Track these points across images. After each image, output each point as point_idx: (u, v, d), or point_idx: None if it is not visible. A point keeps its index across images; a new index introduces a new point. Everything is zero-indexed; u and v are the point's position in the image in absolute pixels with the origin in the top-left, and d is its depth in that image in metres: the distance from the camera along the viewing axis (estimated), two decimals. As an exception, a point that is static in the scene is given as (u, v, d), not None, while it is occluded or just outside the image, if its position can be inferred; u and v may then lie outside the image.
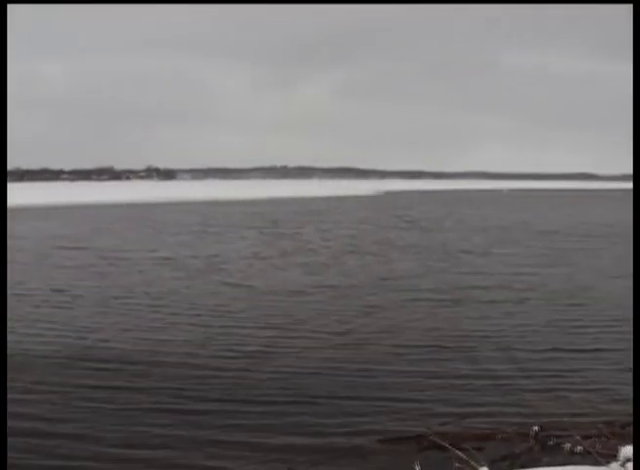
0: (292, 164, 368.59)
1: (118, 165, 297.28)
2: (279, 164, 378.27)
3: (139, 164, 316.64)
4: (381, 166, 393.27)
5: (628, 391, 10.39)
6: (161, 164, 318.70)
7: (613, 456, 8.48)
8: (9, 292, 23.25)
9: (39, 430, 11.15)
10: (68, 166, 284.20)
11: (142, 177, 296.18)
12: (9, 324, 18.60)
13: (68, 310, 20.43)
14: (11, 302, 21.62)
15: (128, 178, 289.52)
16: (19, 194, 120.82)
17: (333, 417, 11.55)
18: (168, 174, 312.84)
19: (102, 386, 13.27)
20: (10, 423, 11.31)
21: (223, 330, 17.71)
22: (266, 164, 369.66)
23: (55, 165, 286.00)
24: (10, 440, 10.57)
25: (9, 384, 13.38)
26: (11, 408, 11.97)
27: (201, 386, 13.21)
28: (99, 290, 23.76)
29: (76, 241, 41.97)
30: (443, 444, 9.65)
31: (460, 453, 8.93)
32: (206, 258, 32.81)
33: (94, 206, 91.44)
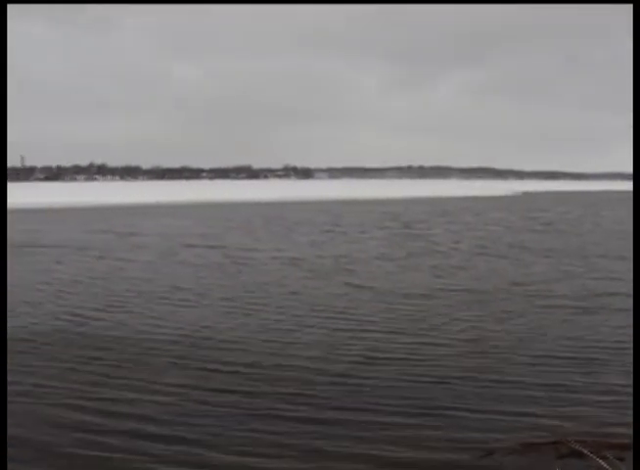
0: (428, 163, 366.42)
1: (257, 165, 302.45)
2: (416, 163, 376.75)
3: (277, 164, 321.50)
4: (517, 167, 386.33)
5: None
6: (299, 163, 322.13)
7: None
8: (132, 289, 23.70)
9: (154, 432, 10.89)
10: (207, 165, 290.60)
11: (279, 176, 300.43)
12: (129, 320, 18.91)
13: (189, 309, 20.30)
14: (132, 298, 21.89)
15: (266, 177, 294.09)
16: (156, 192, 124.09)
17: (462, 427, 10.95)
18: (305, 173, 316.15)
19: (219, 388, 12.95)
20: (124, 422, 11.25)
21: (347, 333, 17.14)
22: (403, 163, 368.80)
23: (195, 164, 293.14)
24: (121, 440, 10.52)
25: (128, 381, 13.44)
26: (126, 408, 11.95)
27: (321, 392, 12.67)
28: (223, 289, 23.63)
29: (206, 239, 42.44)
30: (583, 451, 8.88)
31: (601, 462, 8.19)
32: (334, 258, 32.34)
33: (229, 204, 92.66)
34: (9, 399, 12.41)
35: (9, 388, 13.05)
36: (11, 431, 10.88)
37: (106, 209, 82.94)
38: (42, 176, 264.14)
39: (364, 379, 13.43)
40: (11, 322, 18.62)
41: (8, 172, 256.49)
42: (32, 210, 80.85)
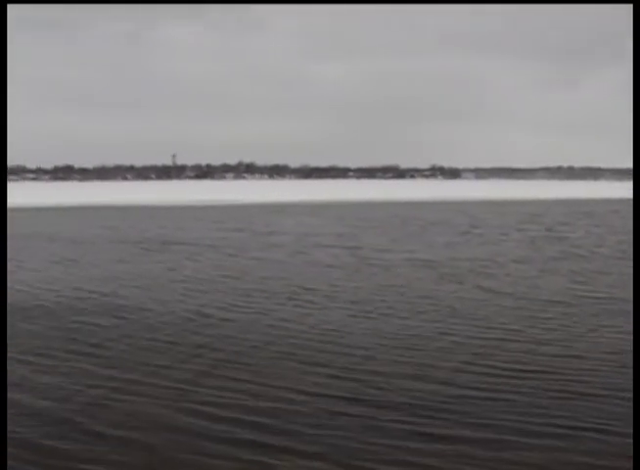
0: (578, 164, 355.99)
1: (404, 164, 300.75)
2: (565, 164, 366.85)
3: (424, 163, 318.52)
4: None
5: None
6: (446, 163, 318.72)
7: None
8: (260, 288, 23.76)
9: (272, 440, 10.55)
10: (355, 165, 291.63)
11: (426, 176, 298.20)
12: (255, 320, 18.77)
13: (316, 311, 20.00)
14: (259, 298, 21.97)
15: (413, 177, 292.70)
16: (302, 190, 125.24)
17: (608, 451, 10.12)
18: (452, 173, 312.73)
19: (343, 396, 12.50)
20: (240, 429, 10.96)
21: (482, 342, 16.36)
22: (552, 164, 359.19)
23: (342, 164, 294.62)
24: (236, 447, 10.26)
25: (249, 385, 13.19)
26: (244, 413, 11.66)
27: (454, 406, 11.99)
28: (352, 291, 23.23)
29: (341, 238, 42.37)
30: None
31: None
32: (467, 260, 31.37)
33: (373, 203, 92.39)
34: (124, 397, 12.51)
35: (127, 385, 13.14)
36: (120, 432, 10.86)
37: (251, 207, 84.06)
38: (192, 174, 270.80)
39: (501, 393, 12.69)
40: (136, 318, 19.02)
41: (160, 171, 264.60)
42: (178, 207, 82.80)
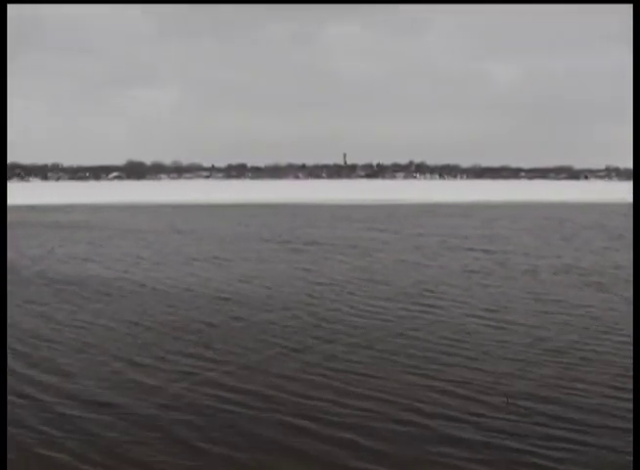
0: None
1: (578, 165, 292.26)
2: None
3: (599, 164, 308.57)
4: None
5: None
6: (622, 164, 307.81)
7: None
8: (386, 291, 23.65)
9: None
10: (527, 165, 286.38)
11: (601, 177, 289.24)
12: (379, 327, 18.44)
13: (443, 318, 19.47)
14: (386, 302, 21.74)
15: (586, 178, 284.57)
16: (469, 191, 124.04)
17: None
18: (628, 174, 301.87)
19: (462, 417, 11.80)
20: (354, 434, 10.87)
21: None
22: None
23: (515, 164, 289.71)
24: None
25: (377, 394, 13.00)
26: (361, 418, 11.58)
27: (593, 436, 11.00)
28: (482, 298, 22.58)
29: (488, 241, 41.70)
30: None
31: None
32: (617, 268, 29.78)
33: (536, 204, 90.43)
34: (233, 408, 12.26)
35: (239, 397, 12.84)
36: (220, 449, 10.59)
37: (413, 206, 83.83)
38: (363, 174, 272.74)
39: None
40: (260, 321, 19.14)
41: (331, 170, 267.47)
42: (340, 205, 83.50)
